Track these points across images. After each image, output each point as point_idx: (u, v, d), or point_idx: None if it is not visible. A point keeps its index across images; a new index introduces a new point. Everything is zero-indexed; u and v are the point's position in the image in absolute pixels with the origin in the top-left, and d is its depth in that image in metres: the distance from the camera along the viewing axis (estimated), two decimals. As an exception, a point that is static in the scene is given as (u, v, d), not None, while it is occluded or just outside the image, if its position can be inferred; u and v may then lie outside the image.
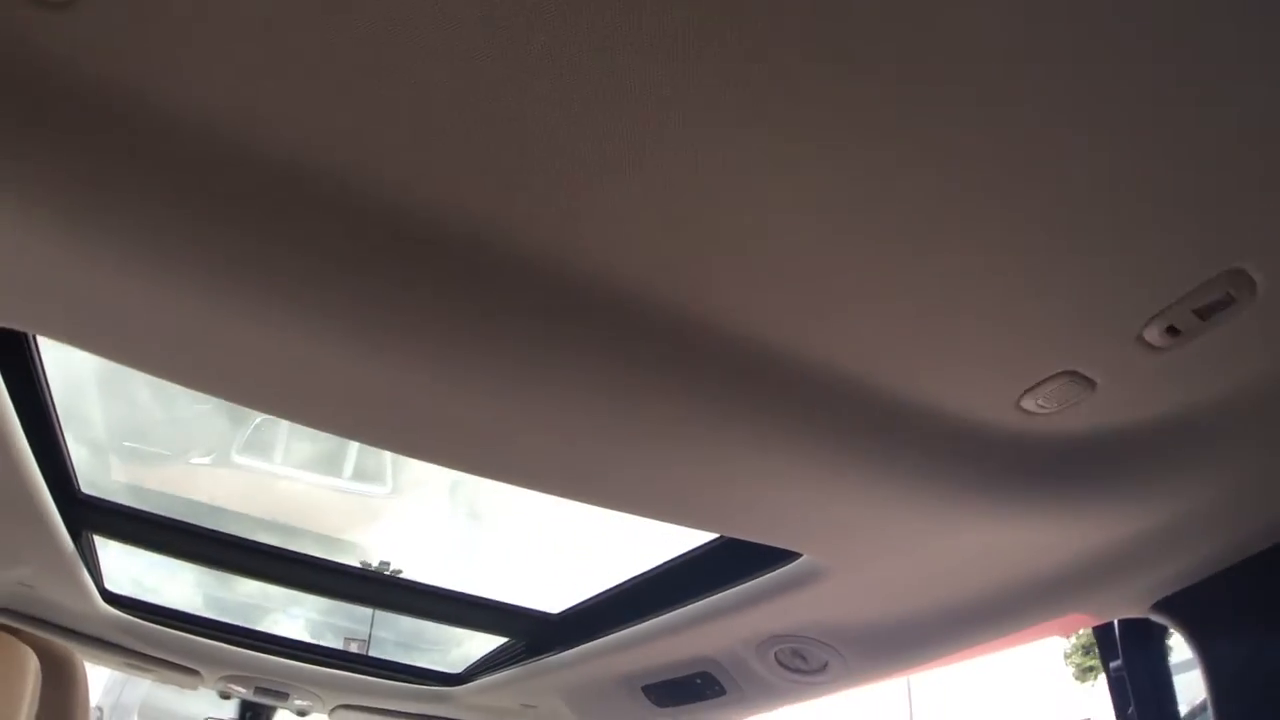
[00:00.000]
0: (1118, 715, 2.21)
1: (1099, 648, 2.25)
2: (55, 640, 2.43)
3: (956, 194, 0.73)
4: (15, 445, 1.42)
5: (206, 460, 2.17)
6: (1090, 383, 0.90)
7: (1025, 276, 0.79)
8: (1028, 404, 0.93)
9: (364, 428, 1.09)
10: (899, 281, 0.80)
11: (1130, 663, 2.13)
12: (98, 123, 0.74)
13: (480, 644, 2.65)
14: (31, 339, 1.35)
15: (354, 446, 2.16)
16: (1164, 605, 1.39)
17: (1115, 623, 2.16)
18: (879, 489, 1.07)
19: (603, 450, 1.04)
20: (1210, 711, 1.33)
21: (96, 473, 1.90)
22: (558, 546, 2.30)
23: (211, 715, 3.14)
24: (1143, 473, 1.05)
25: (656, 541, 1.98)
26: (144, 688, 5.60)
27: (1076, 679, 28.45)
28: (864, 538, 1.22)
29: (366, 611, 2.70)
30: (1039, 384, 0.90)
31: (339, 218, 0.79)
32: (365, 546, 2.25)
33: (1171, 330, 0.84)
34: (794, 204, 0.74)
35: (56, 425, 1.57)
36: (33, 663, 1.67)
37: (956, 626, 1.49)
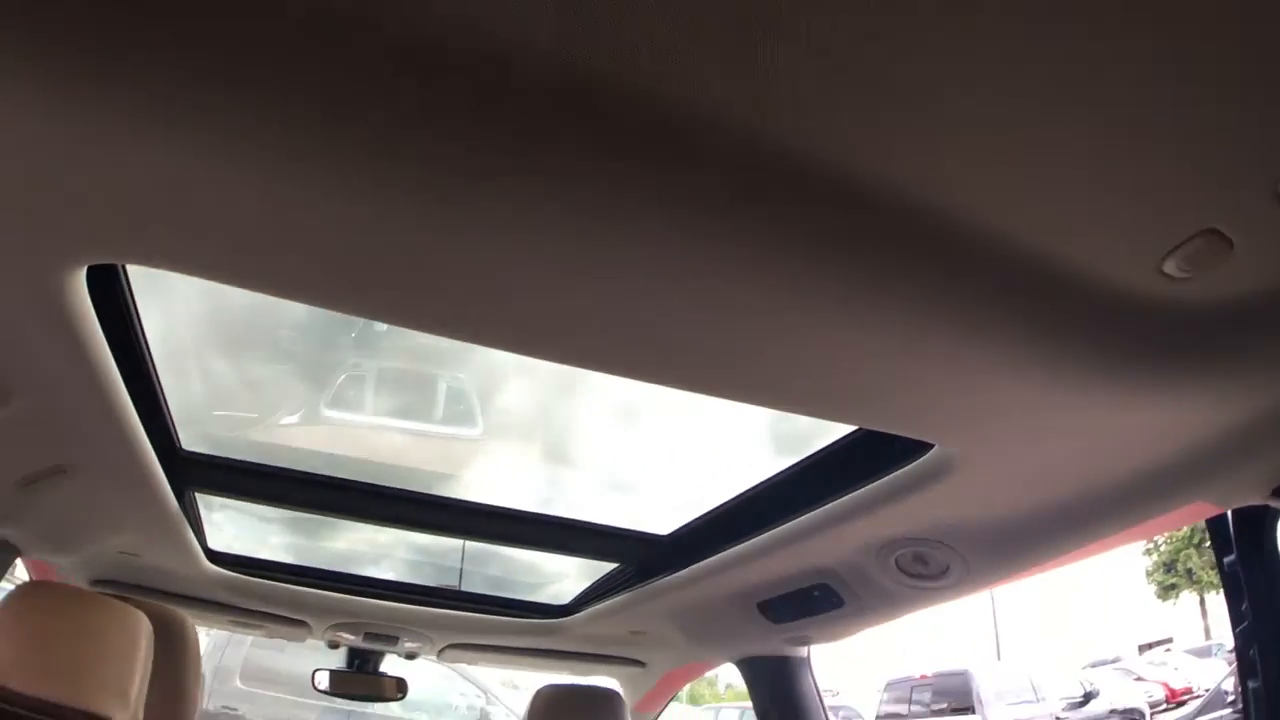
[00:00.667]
0: (1231, 610, 2.18)
1: (1213, 543, 2.22)
2: (164, 604, 2.47)
3: (1098, 47, 0.68)
4: (121, 408, 1.42)
5: (295, 419, 2.19)
6: (1229, 242, 0.86)
7: (1169, 130, 0.75)
8: (1169, 267, 0.89)
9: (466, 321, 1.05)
10: (1043, 137, 0.76)
11: (1244, 557, 2.10)
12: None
13: (573, 582, 2.69)
14: (132, 303, 1.33)
15: (441, 391, 2.16)
16: None
17: (1229, 516, 2.12)
18: (1018, 366, 1.02)
19: (722, 330, 1.00)
20: None
21: (192, 433, 1.91)
22: (656, 472, 2.28)
23: (321, 667, 3.19)
24: (1274, 342, 1.01)
25: (758, 456, 1.97)
26: (244, 649, 5.75)
27: (1158, 597, 28.41)
28: (997, 423, 1.17)
29: (455, 559, 2.71)
30: (1181, 244, 0.86)
31: (420, 72, 0.73)
32: (462, 487, 2.26)
33: None
34: (936, 50, 0.69)
35: (158, 385, 1.58)
36: (146, 627, 1.70)
37: (1080, 521, 1.45)
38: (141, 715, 1.67)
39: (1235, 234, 0.85)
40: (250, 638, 5.32)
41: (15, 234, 0.95)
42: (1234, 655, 2.22)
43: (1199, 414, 1.12)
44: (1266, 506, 1.41)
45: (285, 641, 4.74)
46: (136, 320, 1.36)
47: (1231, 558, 2.12)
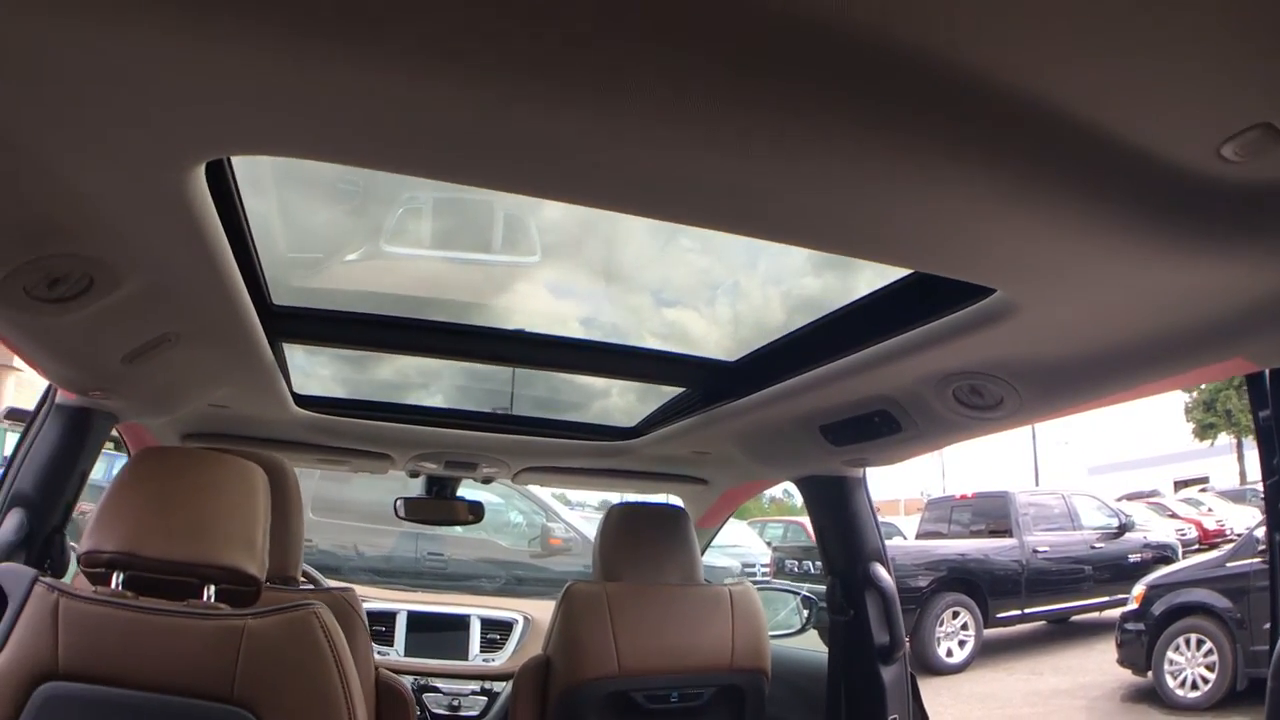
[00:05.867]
0: (1263, 462, 2.28)
1: (1250, 397, 2.29)
2: (264, 451, 2.59)
3: None
4: (229, 276, 1.47)
5: (356, 256, 2.22)
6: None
7: (1240, 30, 0.79)
8: (1226, 151, 0.95)
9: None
10: (1125, 27, 0.79)
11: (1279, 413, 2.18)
12: None
13: (639, 406, 2.80)
14: (233, 179, 1.36)
15: (500, 219, 2.18)
16: None
17: (1266, 374, 2.19)
18: (1079, 224, 1.08)
19: (798, 183, 1.05)
20: None
21: (279, 288, 1.97)
22: (724, 300, 2.35)
23: (401, 496, 3.39)
24: None
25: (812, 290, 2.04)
26: (313, 483, 5.91)
27: (1195, 435, 28.48)
28: (1057, 274, 1.24)
29: (528, 387, 2.80)
30: (1239, 133, 0.92)
31: None
32: (533, 318, 2.33)
33: None
34: None
35: (254, 247, 1.61)
36: (261, 477, 1.76)
37: (1129, 366, 1.52)
38: (267, 561, 1.74)
39: None
40: (318, 473, 5.51)
41: (136, 137, 1.00)
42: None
43: (1245, 278, 1.18)
44: (1304, 370, 1.48)
45: (351, 475, 4.96)
46: (236, 191, 1.40)
47: (1267, 413, 2.21)
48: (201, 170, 1.11)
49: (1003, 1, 0.76)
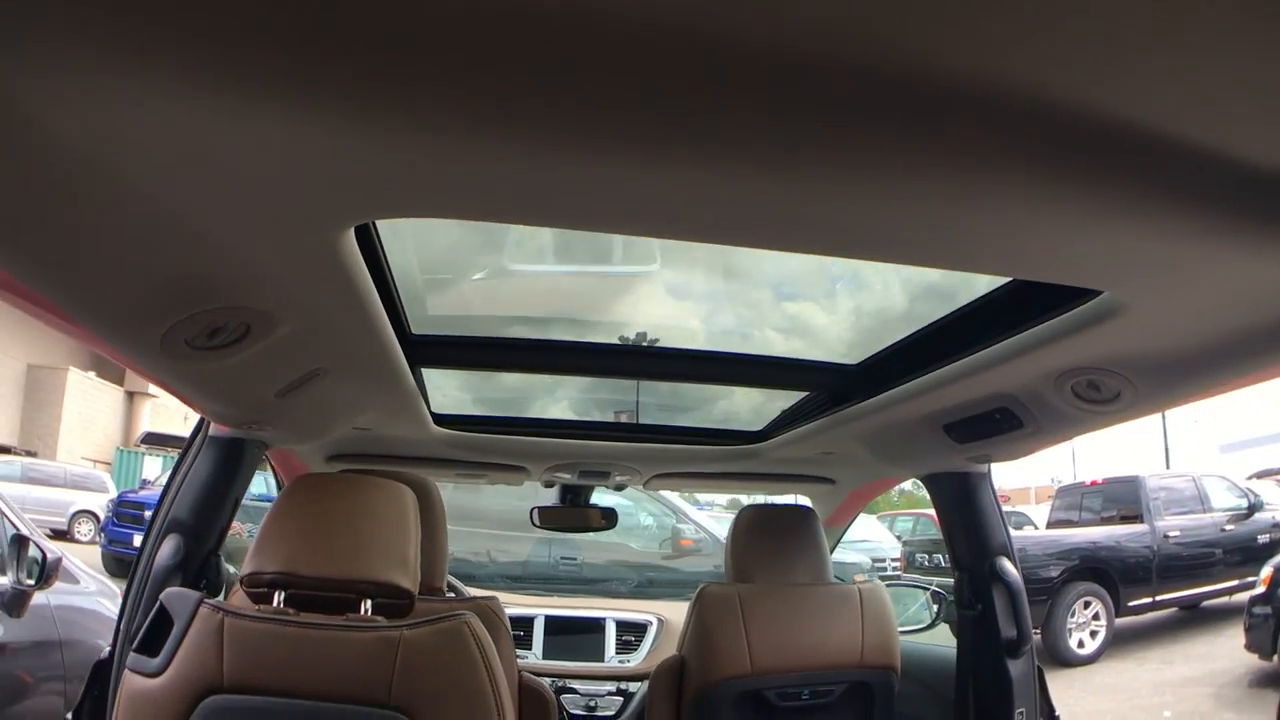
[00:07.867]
0: None
1: None
2: (408, 470, 2.78)
3: None
4: (375, 314, 1.56)
5: (483, 275, 2.30)
6: None
7: None
8: None
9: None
10: (1217, 45, 0.79)
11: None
12: None
13: (764, 409, 2.86)
14: (374, 227, 1.44)
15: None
16: None
17: None
18: (1185, 228, 1.10)
19: (896, 206, 1.08)
20: None
21: (416, 318, 2.07)
22: (841, 305, 2.40)
23: (537, 505, 3.55)
24: None
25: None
26: (445, 494, 6.04)
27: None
28: (1163, 275, 1.25)
29: (631, 389, 2.87)
30: None
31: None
32: (650, 323, 2.38)
33: None
34: None
35: (392, 279, 1.69)
36: (410, 497, 1.87)
37: (1248, 354, 1.51)
38: (419, 576, 1.84)
39: None
40: (450, 485, 5.68)
41: (291, 210, 1.10)
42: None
43: None
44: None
45: (483, 485, 5.10)
46: (376, 233, 1.48)
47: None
48: (351, 232, 1.21)
49: (1103, 41, 0.79)
